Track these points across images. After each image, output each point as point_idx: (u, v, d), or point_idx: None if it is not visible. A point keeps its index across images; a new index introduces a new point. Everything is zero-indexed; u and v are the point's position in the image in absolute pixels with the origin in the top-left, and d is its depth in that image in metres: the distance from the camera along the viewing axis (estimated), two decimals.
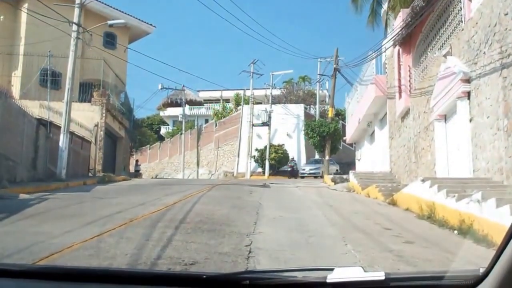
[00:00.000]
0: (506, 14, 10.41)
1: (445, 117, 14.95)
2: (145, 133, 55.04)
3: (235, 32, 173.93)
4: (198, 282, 1.88)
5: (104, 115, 29.53)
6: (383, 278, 1.64)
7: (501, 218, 7.13)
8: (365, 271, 1.69)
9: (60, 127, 21.86)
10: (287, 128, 45.29)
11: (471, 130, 12.53)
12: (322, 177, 33.76)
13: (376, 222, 10.43)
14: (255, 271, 1.89)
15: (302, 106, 47.36)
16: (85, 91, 30.74)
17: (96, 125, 29.24)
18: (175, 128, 64.15)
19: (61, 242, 6.62)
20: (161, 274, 2.35)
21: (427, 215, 10.49)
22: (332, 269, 1.71)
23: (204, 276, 1.89)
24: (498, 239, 6.45)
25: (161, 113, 69.85)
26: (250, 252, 6.41)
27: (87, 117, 28.67)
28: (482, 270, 1.51)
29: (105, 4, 34.42)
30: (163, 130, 69.01)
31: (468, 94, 12.70)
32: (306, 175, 38.33)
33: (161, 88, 49.85)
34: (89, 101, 29.84)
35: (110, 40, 35.36)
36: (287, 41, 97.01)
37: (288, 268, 1.90)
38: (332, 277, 1.69)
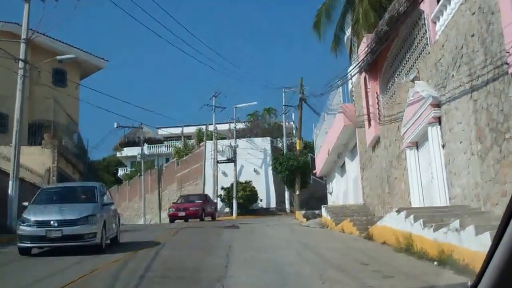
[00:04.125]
0: (472, 36, 10.84)
1: (416, 144, 15.27)
2: (101, 176, 54.30)
3: (194, 65, 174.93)
4: None
5: (56, 158, 29.14)
6: None
7: (481, 246, 7.28)
8: None
9: (8, 173, 21.45)
10: (254, 164, 45.35)
11: (444, 157, 12.83)
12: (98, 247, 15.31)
13: (353, 258, 10.52)
14: None
15: (268, 139, 47.58)
16: (35, 133, 30.31)
17: (48, 170, 28.80)
18: (133, 169, 63.52)
19: None
20: None
21: (405, 248, 10.64)
22: None
23: None
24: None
25: (118, 154, 69.17)
26: None
27: (38, 161, 28.19)
28: (470, 283, 1.59)
29: (54, 38, 34.06)
30: (121, 172, 68.23)
31: (439, 119, 13.03)
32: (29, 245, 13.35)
33: (117, 127, 49.45)
34: (40, 144, 29.40)
35: (60, 77, 34.95)
36: (250, 72, 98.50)
37: None
38: None
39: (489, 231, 7.41)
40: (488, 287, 1.49)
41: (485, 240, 7.29)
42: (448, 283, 7.23)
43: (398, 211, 11.87)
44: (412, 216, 10.72)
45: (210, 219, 32.40)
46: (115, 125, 49.40)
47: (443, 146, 12.87)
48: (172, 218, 31.56)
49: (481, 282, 1.53)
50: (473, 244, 7.67)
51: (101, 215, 13.45)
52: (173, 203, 35.34)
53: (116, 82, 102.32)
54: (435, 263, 8.81)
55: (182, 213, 31.10)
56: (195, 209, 31.35)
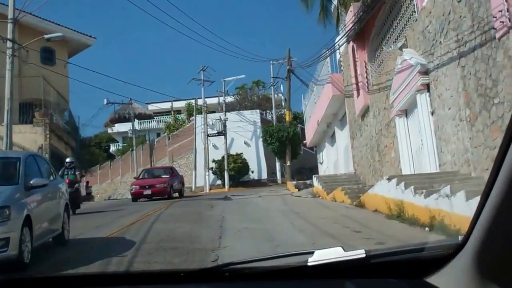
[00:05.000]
0: (459, 1, 10.71)
1: (406, 112, 15.24)
2: (93, 152, 54.09)
3: (181, 39, 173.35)
4: (177, 278, 1.90)
5: (48, 136, 28.93)
6: (363, 255, 1.70)
7: (472, 211, 7.25)
8: (345, 251, 1.73)
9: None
10: (245, 136, 45.33)
11: (433, 123, 12.81)
12: None
13: (345, 225, 10.54)
14: (234, 263, 1.90)
15: (258, 112, 47.49)
16: (26, 112, 30.05)
17: (40, 148, 28.59)
18: (125, 144, 63.33)
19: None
20: (137, 273, 2.36)
21: (397, 215, 10.66)
22: (312, 252, 1.75)
23: (182, 274, 1.90)
24: None
25: (109, 130, 68.84)
26: None
27: (30, 139, 28.03)
28: (460, 238, 1.59)
29: (41, 18, 33.71)
30: (113, 148, 68.01)
31: (428, 87, 12.99)
32: None
33: (107, 103, 49.19)
34: (31, 122, 29.18)
35: (48, 56, 34.57)
36: (237, 45, 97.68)
37: (268, 256, 1.91)
38: (313, 260, 1.73)
39: (479, 196, 7.38)
40: (477, 243, 1.48)
41: (476, 205, 7.27)
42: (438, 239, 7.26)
43: (389, 179, 11.88)
44: (402, 183, 10.73)
45: (178, 196, 27.44)
46: (105, 101, 49.13)
47: (432, 113, 12.84)
48: (135, 197, 25.88)
49: (470, 238, 1.53)
50: (464, 209, 7.67)
51: (22, 206, 7.74)
52: (135, 178, 29.79)
53: (105, 60, 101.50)
54: (427, 229, 8.84)
55: (148, 191, 25.45)
56: (163, 186, 25.77)
